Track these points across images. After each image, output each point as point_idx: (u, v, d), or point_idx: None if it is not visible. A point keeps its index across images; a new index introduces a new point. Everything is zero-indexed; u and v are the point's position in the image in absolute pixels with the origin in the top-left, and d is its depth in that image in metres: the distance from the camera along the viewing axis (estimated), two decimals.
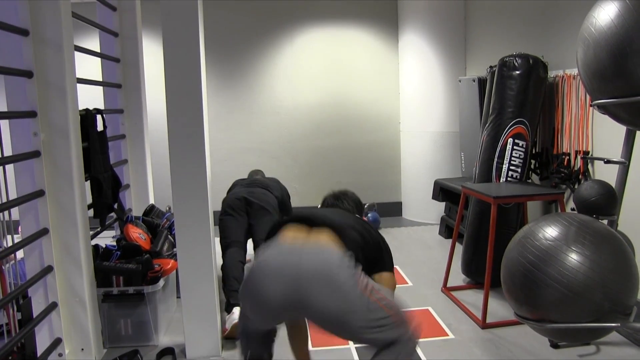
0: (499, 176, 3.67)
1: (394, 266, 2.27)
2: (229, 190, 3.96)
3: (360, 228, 2.18)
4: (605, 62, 2.25)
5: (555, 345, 2.84)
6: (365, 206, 5.62)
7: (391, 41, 6.00)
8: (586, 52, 2.37)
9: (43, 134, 2.50)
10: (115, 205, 3.39)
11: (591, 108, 3.30)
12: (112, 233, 3.88)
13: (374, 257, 2.18)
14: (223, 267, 3.29)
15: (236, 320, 2.95)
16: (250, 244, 3.61)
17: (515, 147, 3.62)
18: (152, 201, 4.06)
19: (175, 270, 3.24)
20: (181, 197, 2.75)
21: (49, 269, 2.53)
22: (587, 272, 2.17)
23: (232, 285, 3.16)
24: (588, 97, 3.31)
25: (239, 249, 3.40)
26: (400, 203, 6.17)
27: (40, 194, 2.48)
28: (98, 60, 3.76)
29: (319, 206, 2.61)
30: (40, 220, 2.51)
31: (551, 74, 3.77)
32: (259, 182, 3.85)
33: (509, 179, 3.64)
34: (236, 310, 3.01)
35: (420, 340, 2.97)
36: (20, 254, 2.58)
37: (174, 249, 3.39)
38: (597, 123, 3.37)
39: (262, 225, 3.49)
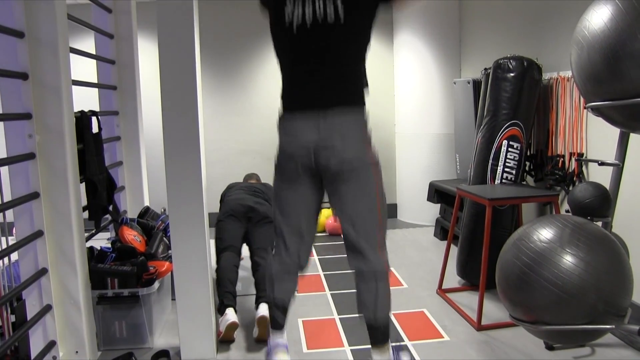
0: (493, 178, 3.68)
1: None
2: (226, 192, 3.96)
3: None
4: (598, 65, 2.27)
5: (550, 347, 2.85)
6: None
7: (386, 42, 6.01)
8: (580, 54, 2.39)
9: (38, 136, 2.49)
10: (110, 207, 3.38)
11: (585, 110, 3.32)
12: (107, 235, 3.86)
13: None
14: (218, 270, 3.29)
15: (230, 321, 2.95)
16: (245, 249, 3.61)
17: (509, 149, 3.64)
18: (147, 203, 4.05)
19: (170, 273, 3.24)
20: (176, 199, 2.75)
21: (43, 271, 2.52)
22: (582, 274, 2.18)
23: (226, 287, 3.16)
24: (582, 99, 3.34)
25: (235, 254, 3.40)
26: (395, 205, 6.18)
27: (35, 196, 2.47)
28: (93, 61, 3.75)
29: None
30: (35, 222, 2.50)
31: (545, 76, 3.79)
32: (259, 191, 3.85)
33: (503, 180, 3.65)
34: (229, 312, 3.01)
35: (416, 342, 3.00)
36: (14, 256, 2.57)
37: (169, 251, 3.38)
38: (591, 125, 3.39)
39: (262, 234, 3.51)
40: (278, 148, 2.43)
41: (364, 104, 2.37)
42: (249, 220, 3.57)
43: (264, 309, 3.00)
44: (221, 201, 3.91)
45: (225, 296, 3.11)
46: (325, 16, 2.23)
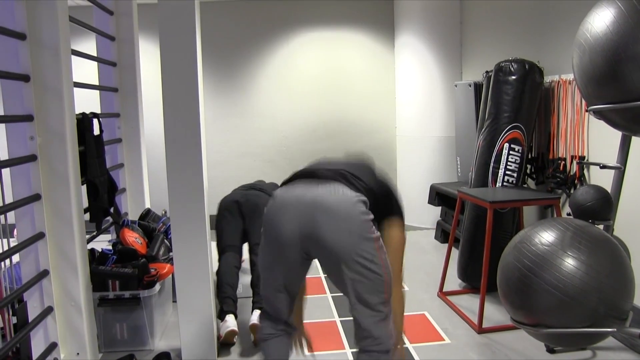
0: (495, 181, 3.68)
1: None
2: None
3: (370, 175, 2.17)
4: (600, 68, 2.26)
5: (551, 350, 2.85)
6: None
7: (387, 45, 6.02)
8: (582, 57, 2.38)
9: (39, 138, 2.49)
10: (112, 209, 3.39)
11: (587, 113, 3.32)
12: (108, 237, 3.87)
13: (384, 204, 2.21)
14: (218, 273, 3.28)
15: (229, 329, 2.94)
16: (245, 247, 3.60)
17: (511, 152, 3.64)
18: (148, 205, 4.05)
19: (171, 275, 3.24)
20: (177, 201, 2.75)
21: (44, 273, 2.52)
22: (583, 277, 2.17)
23: (225, 292, 3.15)
24: (584, 102, 3.33)
25: (235, 254, 3.39)
26: None
27: (36, 197, 2.47)
28: (95, 64, 3.75)
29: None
30: (36, 224, 2.50)
31: (547, 79, 3.79)
32: (255, 186, 3.85)
33: (505, 183, 3.65)
34: (229, 318, 3.00)
35: (416, 344, 2.99)
36: (16, 257, 2.57)
37: (170, 253, 3.38)
38: (592, 128, 3.39)
39: (257, 228, 3.48)
40: (266, 215, 2.09)
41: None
42: (242, 214, 3.52)
43: (256, 317, 2.99)
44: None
45: (224, 302, 3.10)
46: None
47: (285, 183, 2.13)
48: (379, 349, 1.99)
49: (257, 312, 3.03)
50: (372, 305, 1.98)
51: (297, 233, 1.96)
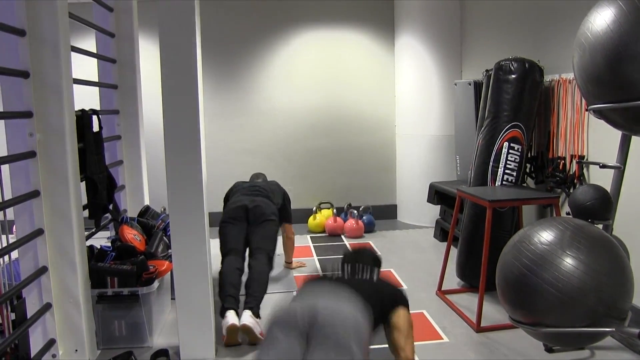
0: (494, 180, 3.68)
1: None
2: (230, 191, 3.96)
3: (376, 297, 2.23)
4: (601, 67, 2.26)
5: (549, 350, 2.85)
6: (360, 209, 5.63)
7: (387, 43, 6.01)
8: (582, 56, 2.38)
9: (39, 135, 2.49)
10: (111, 206, 3.38)
11: (587, 112, 3.32)
12: (107, 234, 3.86)
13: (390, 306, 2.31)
14: (220, 273, 3.27)
15: (229, 323, 2.93)
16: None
17: (510, 151, 3.64)
18: (147, 202, 4.05)
19: (170, 272, 3.23)
20: (176, 198, 2.75)
21: (43, 270, 2.52)
22: (582, 277, 2.17)
23: (228, 290, 3.14)
24: (584, 101, 3.33)
25: (238, 257, 3.40)
26: (395, 206, 6.18)
27: (35, 194, 2.47)
28: (94, 60, 3.75)
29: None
30: (35, 220, 2.50)
31: (547, 78, 3.79)
32: (261, 189, 3.85)
33: (504, 182, 3.65)
34: (229, 314, 2.99)
35: (415, 343, 2.98)
36: (14, 254, 2.57)
37: (169, 251, 3.38)
38: (592, 127, 3.39)
39: (259, 234, 3.53)
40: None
41: None
42: (248, 220, 3.58)
43: (246, 317, 2.97)
44: (225, 201, 3.91)
45: (226, 300, 3.09)
46: None
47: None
48: None
49: (247, 313, 3.01)
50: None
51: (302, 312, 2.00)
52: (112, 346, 2.99)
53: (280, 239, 3.89)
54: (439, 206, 5.26)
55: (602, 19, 2.26)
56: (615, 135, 2.76)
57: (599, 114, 2.47)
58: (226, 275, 3.24)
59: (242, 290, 3.27)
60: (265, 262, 3.40)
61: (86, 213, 3.07)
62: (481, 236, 3.34)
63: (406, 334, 2.25)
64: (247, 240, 3.54)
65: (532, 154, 4.00)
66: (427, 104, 5.68)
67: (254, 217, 3.58)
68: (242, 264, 3.41)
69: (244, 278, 3.35)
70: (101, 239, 3.58)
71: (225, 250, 3.45)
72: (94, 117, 3.19)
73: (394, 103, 6.07)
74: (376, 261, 2.59)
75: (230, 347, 2.99)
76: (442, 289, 3.76)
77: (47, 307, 2.55)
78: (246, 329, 2.94)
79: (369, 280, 2.39)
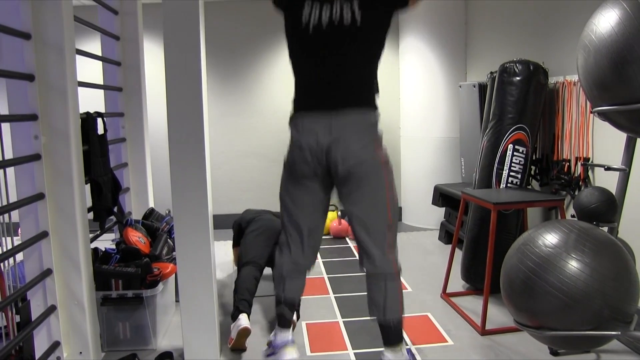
0: (499, 182, 3.67)
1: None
2: (242, 218, 3.91)
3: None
4: (605, 69, 2.26)
5: (555, 353, 2.83)
6: None
7: (391, 45, 6.01)
8: (586, 59, 2.38)
9: (44, 137, 2.50)
10: (115, 209, 3.39)
11: (591, 115, 3.31)
12: (111, 236, 3.87)
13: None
14: (237, 280, 3.25)
15: (242, 326, 2.91)
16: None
17: (515, 153, 3.63)
18: (151, 205, 4.05)
19: (174, 274, 3.24)
20: (181, 201, 2.75)
21: (48, 272, 2.53)
22: (587, 280, 2.17)
23: (243, 294, 3.12)
24: (588, 103, 3.32)
25: (256, 269, 3.36)
26: (400, 208, 6.17)
27: (40, 196, 2.48)
28: (99, 63, 3.76)
29: None
30: (40, 223, 2.51)
31: (552, 80, 3.78)
32: None
33: (509, 185, 3.64)
34: (242, 317, 2.97)
35: (419, 346, 2.99)
36: (19, 256, 2.57)
37: (173, 253, 3.39)
38: (597, 130, 3.38)
39: None
40: (289, 145, 2.48)
41: (375, 107, 2.42)
42: (276, 244, 3.51)
43: (244, 321, 2.97)
44: (235, 226, 3.90)
45: (240, 303, 3.07)
46: (341, 19, 2.26)
47: (296, 106, 2.50)
48: None
49: (243, 316, 3.00)
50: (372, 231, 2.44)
51: (323, 143, 2.37)
52: (116, 348, 2.99)
53: None
54: (443, 208, 5.25)
55: (606, 21, 2.25)
56: (620, 137, 2.75)
57: (604, 116, 2.46)
58: (243, 281, 3.22)
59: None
60: None
61: (91, 215, 3.08)
62: (486, 239, 3.33)
63: None
64: (270, 258, 3.46)
65: (537, 156, 3.99)
66: (432, 106, 5.67)
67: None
68: (259, 277, 3.36)
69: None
70: (106, 242, 3.60)
71: (246, 260, 3.40)
72: (99, 120, 3.20)
73: (398, 105, 6.06)
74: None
75: (235, 351, 2.98)
76: (447, 291, 3.75)
77: (52, 309, 2.55)
78: (246, 332, 2.92)
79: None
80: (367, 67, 2.40)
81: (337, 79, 2.36)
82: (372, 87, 2.42)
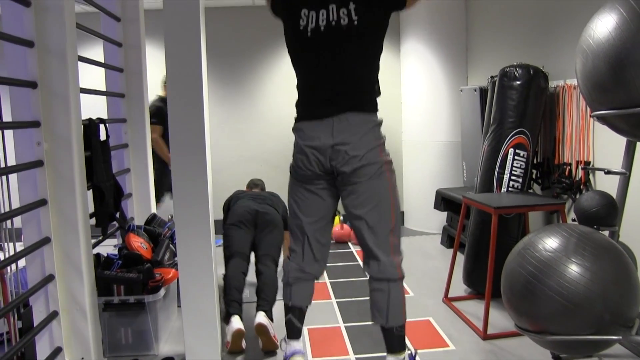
0: (500, 186, 3.67)
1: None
2: (230, 200, 3.96)
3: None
4: (603, 74, 2.26)
5: (556, 357, 2.83)
6: None
7: (393, 50, 6.03)
8: (585, 63, 2.38)
9: (46, 144, 2.51)
10: (117, 214, 3.40)
11: (592, 118, 3.31)
12: (113, 242, 3.88)
13: None
14: (225, 277, 3.30)
15: (235, 329, 2.94)
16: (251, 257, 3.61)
17: (516, 157, 3.63)
18: (153, 210, 4.06)
19: (176, 280, 3.25)
20: (182, 207, 2.76)
21: (50, 278, 2.53)
22: (588, 284, 2.17)
23: (232, 295, 3.16)
24: (588, 107, 3.33)
25: (242, 260, 3.41)
26: (402, 212, 6.17)
27: (42, 203, 2.49)
28: (101, 69, 3.78)
29: None
30: (42, 229, 2.52)
31: (552, 84, 3.78)
32: (266, 198, 3.87)
33: (510, 189, 3.64)
34: (234, 319, 3.00)
35: (421, 351, 2.98)
36: (22, 262, 2.58)
37: (175, 259, 3.40)
38: (597, 133, 3.38)
39: (267, 241, 3.53)
40: (294, 151, 2.50)
41: (376, 109, 2.44)
42: (256, 226, 3.59)
43: (261, 317, 3.00)
44: (225, 209, 3.92)
45: (231, 305, 3.11)
46: (339, 21, 2.28)
47: (299, 113, 2.51)
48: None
49: (261, 314, 3.03)
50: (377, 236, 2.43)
51: (326, 146, 2.37)
52: (118, 354, 3.00)
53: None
54: (445, 212, 5.25)
55: (603, 26, 2.26)
56: (620, 141, 2.76)
57: (603, 120, 2.46)
58: (231, 279, 3.25)
59: (246, 293, 3.29)
60: (274, 268, 3.43)
61: (93, 221, 3.09)
62: (487, 243, 3.33)
63: None
64: (253, 245, 3.55)
65: (538, 160, 3.99)
66: (434, 110, 5.68)
67: (264, 223, 3.59)
68: (247, 268, 3.42)
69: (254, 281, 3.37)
70: (108, 247, 3.60)
71: (230, 253, 3.45)
72: (101, 126, 3.21)
73: (400, 110, 6.08)
74: None
75: (234, 354, 3.00)
76: (449, 296, 3.74)
77: (54, 315, 2.56)
78: (261, 328, 2.95)
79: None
80: (366, 69, 2.41)
81: (337, 82, 2.38)
82: (372, 90, 2.43)
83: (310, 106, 2.45)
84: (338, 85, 2.38)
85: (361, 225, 2.42)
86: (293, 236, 2.60)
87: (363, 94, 2.41)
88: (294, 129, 2.50)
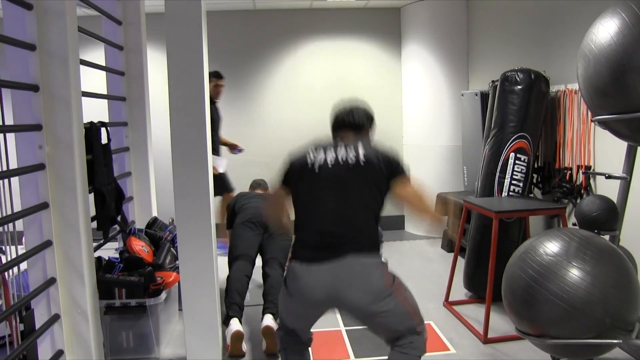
0: (500, 190, 3.67)
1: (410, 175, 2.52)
2: (235, 201, 3.92)
3: (370, 173, 2.38)
4: (605, 78, 2.27)
5: None
6: None
7: (394, 54, 6.04)
8: (586, 68, 2.39)
9: (48, 147, 2.51)
10: (119, 218, 3.41)
11: (593, 123, 3.31)
12: (115, 245, 3.88)
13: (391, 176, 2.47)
14: (228, 278, 3.28)
15: (233, 330, 2.94)
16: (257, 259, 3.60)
17: (517, 162, 3.63)
18: (155, 214, 4.07)
19: (177, 283, 3.25)
20: (184, 210, 2.77)
21: (51, 281, 2.54)
22: (588, 288, 2.17)
23: (233, 298, 3.16)
24: (589, 112, 3.33)
25: (247, 263, 3.38)
26: (403, 216, 6.17)
27: (44, 206, 2.49)
28: (103, 73, 3.79)
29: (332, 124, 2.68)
30: (44, 232, 2.52)
31: (553, 88, 3.79)
32: None
33: (510, 193, 3.64)
34: (233, 322, 3.00)
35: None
36: (23, 265, 2.59)
37: (177, 262, 3.40)
38: (598, 138, 3.39)
39: (275, 245, 3.49)
40: (287, 287, 2.27)
41: (379, 251, 2.31)
42: (266, 229, 3.54)
43: (268, 319, 3.00)
44: (230, 209, 3.90)
45: (231, 308, 3.11)
46: (346, 160, 2.33)
47: (297, 252, 2.27)
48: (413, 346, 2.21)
49: (269, 316, 3.03)
50: (404, 332, 2.22)
51: (323, 300, 2.20)
52: (119, 357, 3.00)
53: None
54: (446, 217, 5.25)
55: (605, 31, 2.27)
56: (621, 145, 2.76)
57: (604, 124, 2.47)
58: (234, 281, 3.24)
59: (248, 297, 3.29)
60: (281, 272, 3.40)
61: (94, 224, 3.10)
62: (488, 247, 3.33)
63: (417, 202, 2.43)
64: (260, 247, 3.52)
65: (539, 165, 3.99)
66: (435, 114, 5.69)
67: (273, 228, 3.54)
68: (251, 271, 3.39)
69: (257, 286, 3.35)
70: (109, 250, 3.60)
71: (235, 254, 3.41)
72: (103, 129, 3.22)
73: (401, 114, 6.08)
74: (369, 117, 2.63)
75: (234, 357, 2.99)
76: (450, 300, 3.74)
77: (55, 318, 2.56)
78: (267, 330, 2.95)
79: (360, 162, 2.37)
80: (370, 214, 2.30)
81: (340, 224, 2.24)
82: (375, 234, 2.31)
83: (311, 249, 2.25)
84: (341, 228, 2.24)
85: (388, 337, 2.28)
86: (280, 333, 2.41)
87: (366, 237, 2.27)
88: (289, 271, 2.27)
